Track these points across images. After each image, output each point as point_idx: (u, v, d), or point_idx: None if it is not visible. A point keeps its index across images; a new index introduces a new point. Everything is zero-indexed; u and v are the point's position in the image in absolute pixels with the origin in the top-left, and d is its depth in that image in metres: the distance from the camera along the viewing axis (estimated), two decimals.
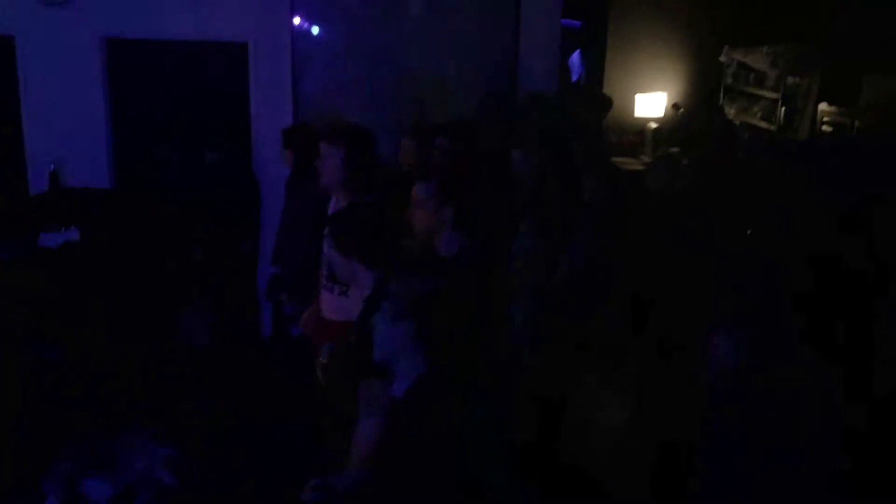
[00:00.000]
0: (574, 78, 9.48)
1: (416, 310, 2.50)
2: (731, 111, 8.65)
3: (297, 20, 5.88)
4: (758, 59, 8.27)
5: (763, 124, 8.20)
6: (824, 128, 7.39)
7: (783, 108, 7.86)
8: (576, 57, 9.40)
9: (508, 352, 3.88)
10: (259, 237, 5.72)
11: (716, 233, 4.00)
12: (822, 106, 7.42)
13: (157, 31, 5.71)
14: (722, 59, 8.84)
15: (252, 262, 5.69)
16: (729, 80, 8.87)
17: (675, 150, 8.36)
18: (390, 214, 3.42)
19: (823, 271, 3.73)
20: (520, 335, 3.87)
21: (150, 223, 5.41)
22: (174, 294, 5.35)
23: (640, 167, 8.37)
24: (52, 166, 5.67)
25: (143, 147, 5.90)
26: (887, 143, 6.07)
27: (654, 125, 8.72)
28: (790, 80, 7.82)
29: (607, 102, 7.06)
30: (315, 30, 5.97)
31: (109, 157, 5.87)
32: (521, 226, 3.87)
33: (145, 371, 4.46)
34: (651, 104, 8.84)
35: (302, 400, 4.06)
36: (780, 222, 4.48)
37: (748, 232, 4.48)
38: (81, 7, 5.60)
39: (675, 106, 8.89)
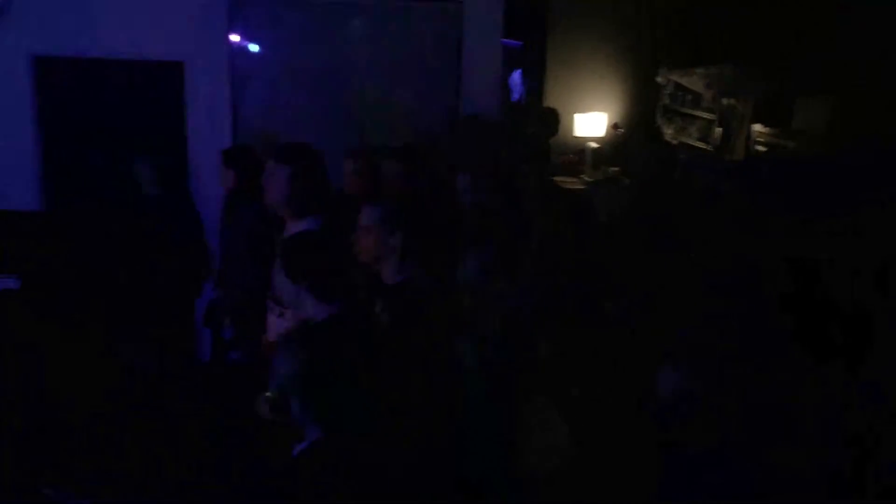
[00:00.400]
0: (515, 97, 9.54)
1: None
2: (668, 131, 8.79)
3: (235, 39, 5.76)
4: (694, 81, 8.43)
5: (700, 144, 8.35)
6: (758, 148, 7.55)
7: (719, 129, 8.02)
8: (516, 77, 9.46)
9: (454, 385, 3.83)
10: (198, 260, 5.57)
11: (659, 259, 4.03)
12: (757, 127, 7.58)
13: (90, 49, 5.55)
14: (659, 80, 8.99)
15: (189, 285, 5.54)
16: (666, 101, 9.02)
17: (615, 169, 8.48)
18: (341, 241, 3.34)
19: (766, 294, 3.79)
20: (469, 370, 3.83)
21: (82, 248, 5.24)
22: (109, 321, 5.18)
23: (581, 186, 8.45)
24: None
25: (74, 168, 5.71)
26: (821, 160, 6.24)
27: (593, 145, 8.81)
28: (725, 101, 7.98)
29: (557, 118, 7.14)
30: (254, 49, 5.87)
31: (39, 179, 5.66)
32: (468, 256, 3.83)
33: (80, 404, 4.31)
34: (590, 124, 8.93)
35: (237, 430, 3.96)
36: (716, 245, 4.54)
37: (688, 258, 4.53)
38: (10, 24, 5.40)
39: (615, 126, 9.00)
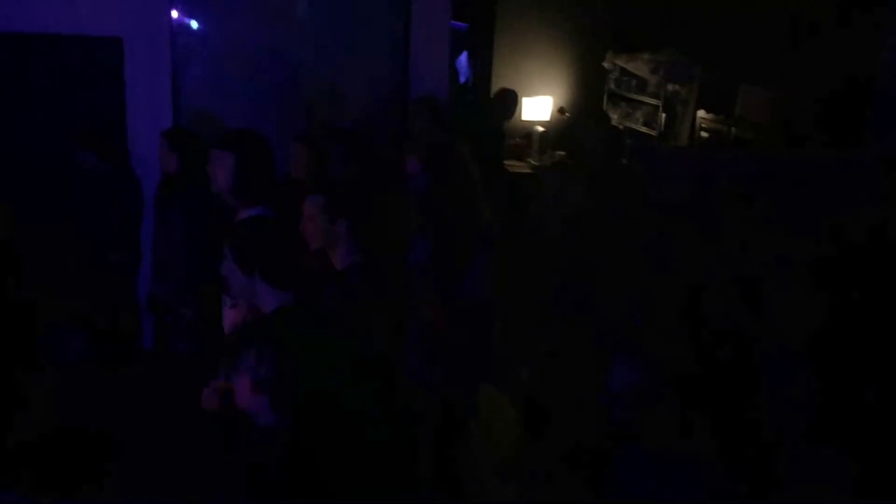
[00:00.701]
0: (462, 80, 9.48)
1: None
2: (614, 116, 8.85)
3: (176, 15, 5.59)
4: (639, 66, 8.48)
5: (644, 129, 8.42)
6: (702, 134, 7.65)
7: (664, 115, 8.09)
8: (463, 59, 9.40)
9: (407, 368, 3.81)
10: (137, 245, 5.41)
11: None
12: (701, 113, 7.67)
13: (24, 24, 5.32)
14: (605, 64, 9.02)
15: (129, 270, 5.38)
16: (612, 86, 9.07)
17: (561, 153, 8.51)
18: (292, 228, 3.27)
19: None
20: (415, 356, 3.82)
21: (12, 230, 5.05)
22: (40, 309, 5.01)
23: (528, 170, 8.46)
24: None
25: (9, 147, 5.47)
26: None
27: (540, 129, 8.82)
28: (670, 87, 8.05)
29: (516, 100, 7.13)
30: (196, 26, 5.71)
31: None
32: (416, 242, 3.80)
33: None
34: (537, 108, 8.93)
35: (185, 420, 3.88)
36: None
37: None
38: None
39: (562, 110, 9.02)
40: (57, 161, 5.29)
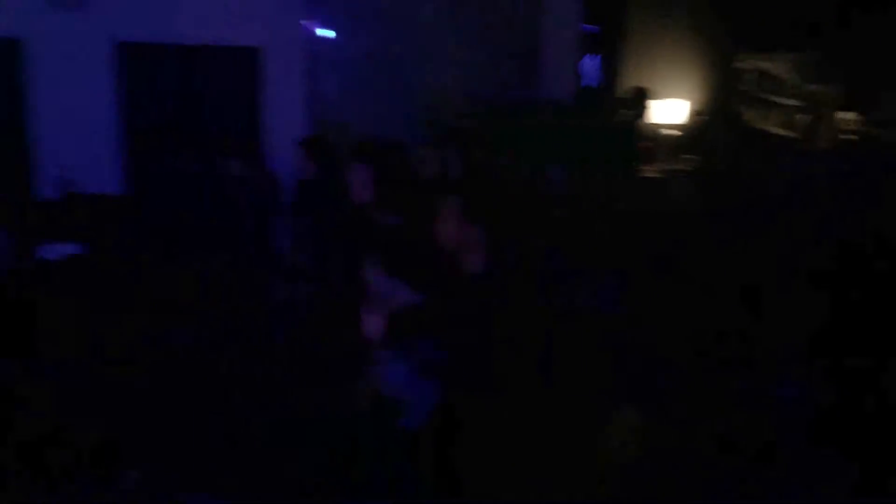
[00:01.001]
0: (585, 83, 9.35)
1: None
2: (748, 118, 8.52)
3: (310, 25, 5.75)
4: (777, 66, 8.14)
5: (781, 131, 8.07)
6: (846, 136, 7.28)
7: (804, 116, 7.74)
8: (587, 62, 9.27)
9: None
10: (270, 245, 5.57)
11: None
12: (843, 114, 7.30)
13: (170, 36, 5.59)
14: (739, 65, 8.70)
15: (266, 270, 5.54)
16: (746, 87, 8.73)
17: (690, 157, 8.27)
18: (426, 231, 3.28)
19: None
20: None
21: (159, 230, 5.30)
22: (185, 306, 5.23)
23: (657, 174, 8.25)
24: (61, 172, 5.53)
25: (154, 152, 5.77)
26: None
27: (671, 132, 8.58)
28: (810, 87, 7.69)
29: (647, 98, 6.98)
30: (329, 35, 5.84)
31: (120, 163, 5.74)
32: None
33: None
34: (667, 110, 8.70)
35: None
36: None
37: None
38: (93, 11, 5.47)
39: (698, 114, 8.75)
40: (199, 164, 5.53)
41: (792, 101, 8.01)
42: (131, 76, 5.69)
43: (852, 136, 7.13)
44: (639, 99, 6.84)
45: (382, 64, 5.80)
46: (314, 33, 5.78)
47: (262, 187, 5.26)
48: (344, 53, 5.89)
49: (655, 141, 8.73)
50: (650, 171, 8.31)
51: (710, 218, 4.64)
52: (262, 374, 5.09)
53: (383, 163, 3.34)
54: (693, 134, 8.63)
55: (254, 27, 5.65)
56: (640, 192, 6.81)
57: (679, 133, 8.66)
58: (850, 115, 7.23)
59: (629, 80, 8.58)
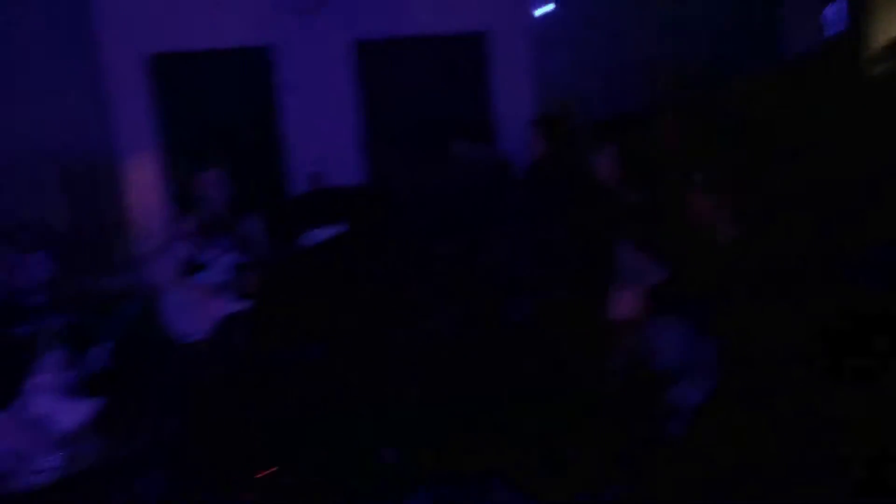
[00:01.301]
0: (828, 34, 8.65)
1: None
2: None
3: (535, 6, 5.75)
4: None
5: None
6: None
7: None
8: (831, 11, 8.56)
9: None
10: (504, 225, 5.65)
11: None
12: None
13: (401, 28, 5.81)
14: None
15: (500, 250, 5.63)
16: None
17: None
18: (675, 206, 3.20)
19: None
20: None
21: (403, 218, 5.53)
22: (426, 288, 5.43)
23: None
24: (312, 168, 5.91)
25: (394, 144, 6.03)
26: None
27: None
28: None
29: None
30: (554, 14, 5.81)
31: (363, 156, 6.05)
32: None
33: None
34: None
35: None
36: None
37: None
38: (332, 12, 5.79)
39: None
40: (436, 153, 5.70)
41: None
42: (368, 71, 5.97)
43: None
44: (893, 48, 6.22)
45: (610, 36, 5.68)
46: (537, 12, 5.78)
47: (498, 170, 5.34)
48: (569, 31, 5.84)
49: None
50: None
51: None
52: (512, 359, 5.19)
53: (626, 139, 3.28)
54: None
55: (479, 13, 5.74)
56: None
57: None
58: None
59: (881, 26, 7.84)
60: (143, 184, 6.35)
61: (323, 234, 4.54)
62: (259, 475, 4.54)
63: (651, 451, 2.48)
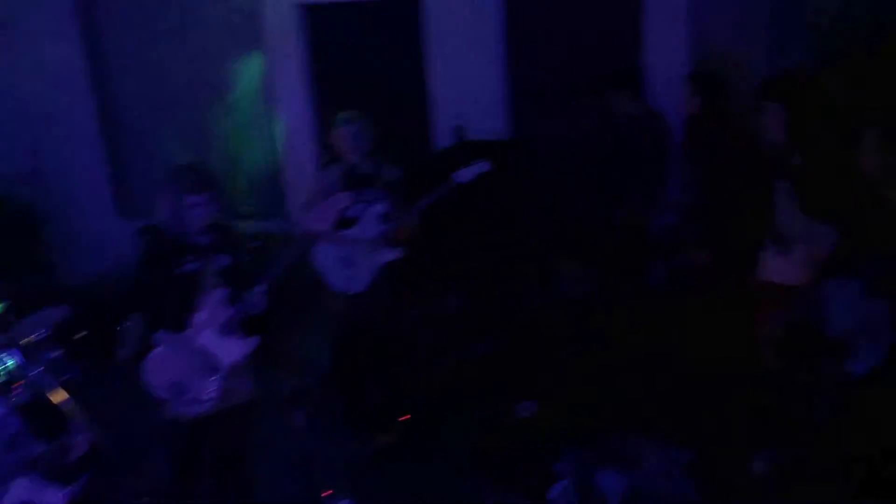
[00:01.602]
0: None
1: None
2: None
3: None
4: None
5: None
6: None
7: None
8: None
9: None
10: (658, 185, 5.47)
11: None
12: None
13: None
14: None
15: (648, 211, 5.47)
16: None
17: None
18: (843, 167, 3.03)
19: None
20: None
21: (548, 175, 5.47)
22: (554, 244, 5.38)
23: None
24: (456, 121, 5.90)
25: (539, 97, 5.94)
26: None
27: None
28: None
29: None
30: None
31: (508, 109, 6.00)
32: None
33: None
34: None
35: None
36: None
37: None
38: None
39: None
40: (585, 106, 5.57)
41: None
42: (514, 22, 5.88)
43: None
44: None
45: None
46: None
47: (654, 124, 5.17)
48: None
49: None
50: None
51: None
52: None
53: (799, 101, 3.13)
54: None
55: None
56: None
57: None
58: None
59: None
60: (295, 131, 6.55)
61: (469, 172, 4.55)
62: (400, 419, 4.70)
63: (819, 422, 2.38)
